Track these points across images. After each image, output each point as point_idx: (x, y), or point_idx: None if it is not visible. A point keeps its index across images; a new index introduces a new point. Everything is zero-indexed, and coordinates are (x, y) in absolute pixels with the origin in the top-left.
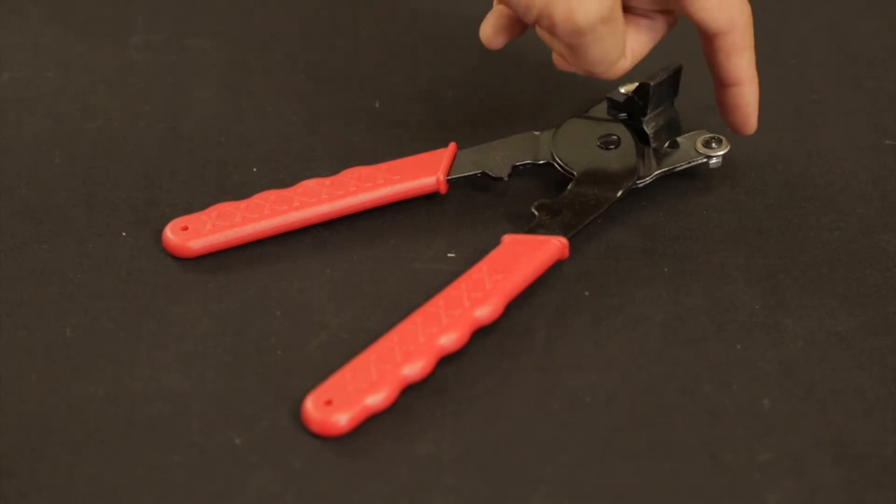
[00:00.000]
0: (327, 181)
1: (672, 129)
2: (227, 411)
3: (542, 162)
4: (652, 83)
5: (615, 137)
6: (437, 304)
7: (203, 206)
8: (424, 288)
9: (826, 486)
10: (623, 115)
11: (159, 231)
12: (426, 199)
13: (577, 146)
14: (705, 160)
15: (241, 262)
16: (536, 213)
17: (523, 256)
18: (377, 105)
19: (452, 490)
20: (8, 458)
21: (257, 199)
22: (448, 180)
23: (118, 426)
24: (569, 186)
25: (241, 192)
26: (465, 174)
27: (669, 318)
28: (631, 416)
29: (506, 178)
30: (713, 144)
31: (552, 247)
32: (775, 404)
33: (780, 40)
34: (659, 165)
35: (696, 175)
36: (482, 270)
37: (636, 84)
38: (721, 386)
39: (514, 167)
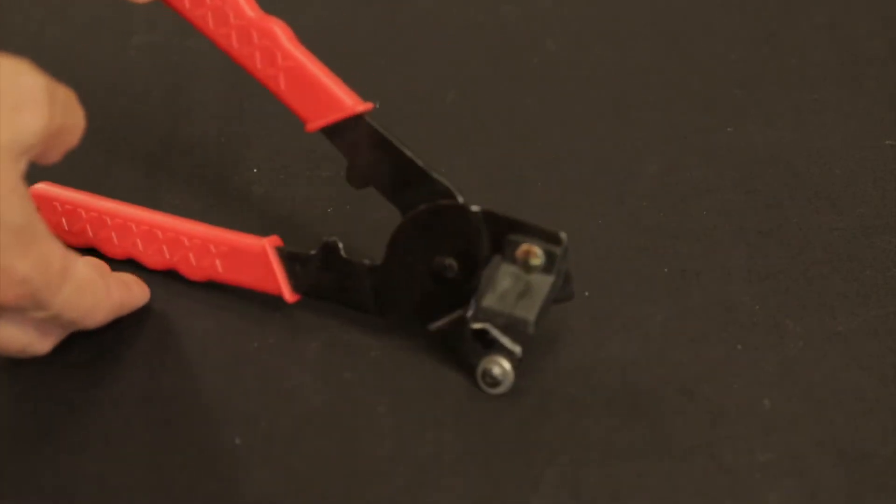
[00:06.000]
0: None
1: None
2: (227, 411)
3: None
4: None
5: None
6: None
7: (203, 205)
8: None
9: (826, 486)
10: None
11: None
12: None
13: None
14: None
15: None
16: None
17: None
18: (377, 105)
19: (453, 490)
20: (8, 458)
21: None
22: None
23: (118, 426)
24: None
25: (241, 192)
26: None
27: (669, 318)
28: (631, 416)
29: None
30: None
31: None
32: (775, 404)
33: (780, 40)
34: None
35: (696, 175)
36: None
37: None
38: (721, 386)
39: None
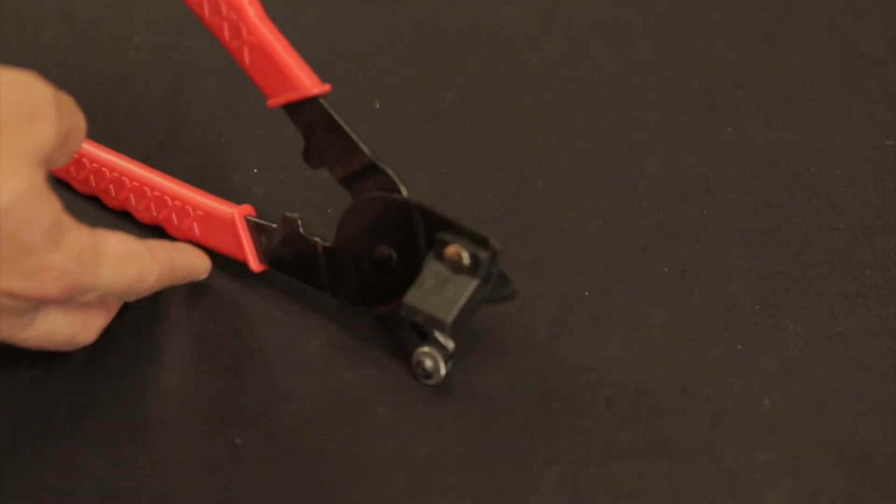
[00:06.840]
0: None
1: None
2: (227, 411)
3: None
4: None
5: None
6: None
7: None
8: None
9: (827, 486)
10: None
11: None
12: None
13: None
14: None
15: (242, 262)
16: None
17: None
18: (377, 105)
19: (454, 490)
20: (8, 458)
21: None
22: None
23: (118, 426)
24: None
25: (241, 192)
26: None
27: (669, 318)
28: (631, 416)
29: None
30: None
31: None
32: (775, 404)
33: (780, 40)
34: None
35: (696, 175)
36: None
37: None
38: (721, 386)
39: None
